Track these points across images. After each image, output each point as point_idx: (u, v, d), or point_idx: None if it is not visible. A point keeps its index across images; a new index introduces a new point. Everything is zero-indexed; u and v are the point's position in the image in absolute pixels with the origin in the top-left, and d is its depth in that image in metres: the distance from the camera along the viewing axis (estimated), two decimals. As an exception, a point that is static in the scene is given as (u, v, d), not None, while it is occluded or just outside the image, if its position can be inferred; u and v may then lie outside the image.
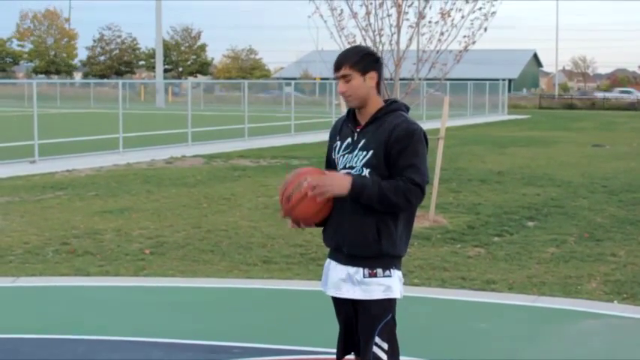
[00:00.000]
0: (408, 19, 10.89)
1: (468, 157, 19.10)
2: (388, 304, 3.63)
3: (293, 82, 37.05)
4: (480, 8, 10.91)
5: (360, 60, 3.61)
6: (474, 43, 11.18)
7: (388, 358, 3.64)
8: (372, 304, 3.61)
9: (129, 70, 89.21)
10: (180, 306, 6.76)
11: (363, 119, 3.69)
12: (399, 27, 10.83)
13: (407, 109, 3.73)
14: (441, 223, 10.24)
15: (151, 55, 77.94)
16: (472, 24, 11.01)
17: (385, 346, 3.63)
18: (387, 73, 10.95)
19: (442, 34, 10.92)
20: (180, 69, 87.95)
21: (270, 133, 27.27)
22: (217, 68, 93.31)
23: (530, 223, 10.39)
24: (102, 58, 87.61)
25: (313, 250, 8.55)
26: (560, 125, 35.02)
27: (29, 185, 13.84)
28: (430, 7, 10.95)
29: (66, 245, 8.89)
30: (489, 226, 10.09)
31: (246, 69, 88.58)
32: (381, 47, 10.84)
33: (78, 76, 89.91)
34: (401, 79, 11.15)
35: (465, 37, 11.13)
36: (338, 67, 3.64)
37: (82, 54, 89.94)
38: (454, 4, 10.90)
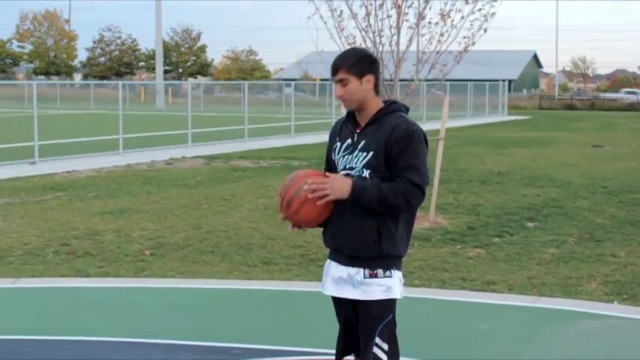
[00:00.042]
0: (407, 20, 10.90)
1: (467, 158, 19.10)
2: (389, 305, 3.64)
3: (293, 83, 36.98)
4: (480, 9, 10.93)
5: (356, 63, 3.60)
6: (473, 44, 11.19)
7: (388, 358, 3.64)
8: (373, 304, 3.61)
9: (129, 71, 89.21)
10: (180, 307, 6.76)
11: (362, 120, 3.69)
12: (398, 28, 10.84)
13: (406, 109, 3.74)
14: (441, 224, 10.24)
15: (151, 56, 77.96)
16: (472, 25, 11.02)
17: (385, 346, 3.64)
18: (387, 74, 10.96)
19: (442, 34, 10.93)
20: (180, 70, 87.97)
21: (270, 134, 27.28)
22: (217, 69, 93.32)
23: (531, 224, 10.39)
24: (102, 59, 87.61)
25: (313, 251, 8.55)
26: (560, 126, 35.03)
27: (29, 186, 13.84)
28: (430, 8, 10.97)
29: (66, 246, 8.89)
30: (489, 227, 10.10)
31: (246, 70, 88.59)
32: (381, 48, 10.84)
33: (78, 77, 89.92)
34: (401, 80, 11.15)
35: (464, 37, 11.14)
36: (334, 71, 3.64)
37: (82, 55, 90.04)
38: (454, 5, 10.91)
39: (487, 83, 43.95)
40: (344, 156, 3.69)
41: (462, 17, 10.94)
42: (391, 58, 10.92)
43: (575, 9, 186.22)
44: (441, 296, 7.03)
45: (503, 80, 48.38)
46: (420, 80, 11.56)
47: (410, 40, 11.01)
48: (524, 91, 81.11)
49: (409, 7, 10.81)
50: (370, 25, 10.81)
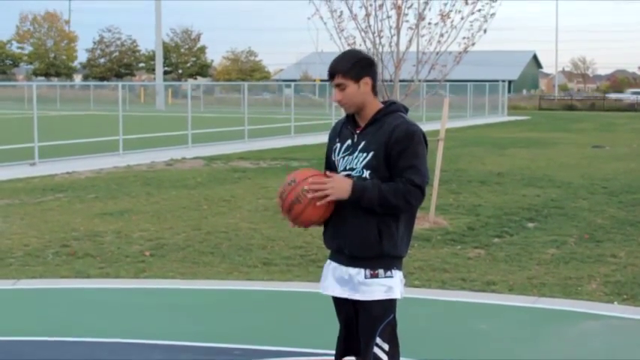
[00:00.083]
0: (407, 21, 10.91)
1: (467, 159, 19.10)
2: (389, 305, 3.65)
3: (293, 83, 36.97)
4: (480, 10, 10.93)
5: (352, 67, 3.60)
6: (473, 44, 11.20)
7: (389, 358, 3.65)
8: (374, 304, 3.62)
9: (129, 72, 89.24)
10: (180, 308, 6.76)
11: (362, 121, 3.70)
12: (398, 29, 10.84)
13: (405, 110, 3.74)
14: (441, 224, 10.24)
15: (151, 57, 77.98)
16: (471, 25, 11.03)
17: (386, 346, 3.64)
18: (386, 74, 10.96)
19: (442, 35, 10.94)
20: (180, 71, 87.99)
21: (270, 134, 27.28)
22: (217, 70, 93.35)
23: (531, 225, 10.39)
24: (102, 60, 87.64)
25: (313, 252, 8.55)
26: (560, 126, 35.03)
27: (29, 188, 13.84)
28: (430, 9, 10.98)
29: (66, 247, 8.89)
30: (489, 228, 10.10)
31: (246, 71, 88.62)
32: (380, 49, 10.85)
33: (78, 79, 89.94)
34: (401, 81, 11.16)
35: (464, 38, 11.14)
36: (331, 76, 3.64)
37: (81, 56, 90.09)
38: (454, 5, 10.92)
39: (487, 84, 43.97)
40: (344, 157, 3.69)
41: (462, 18, 10.95)
42: (391, 59, 10.93)
43: (574, 9, 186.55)
44: (441, 297, 7.03)
45: (503, 81, 48.40)
46: (419, 81, 11.57)
47: (410, 41, 11.02)
48: (524, 91, 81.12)
49: (409, 7, 10.82)
50: (370, 26, 10.82)
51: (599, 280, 7.48)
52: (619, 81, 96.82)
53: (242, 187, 14.02)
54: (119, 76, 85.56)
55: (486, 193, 13.14)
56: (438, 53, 11.06)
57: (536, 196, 12.83)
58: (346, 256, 3.67)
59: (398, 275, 3.67)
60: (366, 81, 3.63)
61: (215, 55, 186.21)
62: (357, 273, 3.64)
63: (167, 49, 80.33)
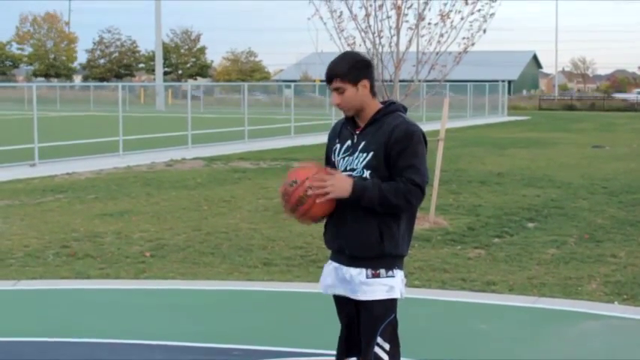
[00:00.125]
0: (407, 21, 10.92)
1: (467, 159, 19.10)
2: (391, 304, 3.65)
3: (293, 84, 36.94)
4: (479, 10, 10.93)
5: (350, 71, 3.60)
6: (473, 44, 11.21)
7: (390, 358, 3.65)
8: (375, 304, 3.62)
9: (128, 72, 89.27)
10: (180, 308, 6.76)
11: (362, 121, 3.71)
12: (398, 29, 10.85)
13: (405, 109, 3.75)
14: (441, 224, 10.24)
15: (151, 58, 78.00)
16: (471, 26, 11.03)
17: (387, 346, 3.65)
18: (386, 74, 10.97)
19: (441, 35, 10.95)
20: (180, 72, 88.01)
21: (270, 135, 27.28)
22: (217, 71, 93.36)
23: (531, 225, 10.39)
24: (102, 61, 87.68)
25: (314, 252, 8.55)
26: (560, 126, 35.03)
27: (29, 188, 13.84)
28: (429, 9, 10.98)
29: (66, 248, 8.89)
30: (489, 228, 10.10)
31: (245, 71, 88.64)
32: (380, 49, 10.85)
33: (78, 79, 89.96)
34: (401, 81, 11.16)
35: (464, 38, 11.15)
36: (329, 80, 3.65)
37: (81, 57, 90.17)
38: (453, 5, 10.92)
39: (487, 84, 43.96)
40: (344, 158, 3.69)
41: (462, 18, 10.96)
42: (391, 59, 10.93)
43: (574, 10, 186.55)
44: (441, 297, 7.04)
45: (503, 81, 48.39)
46: (419, 81, 11.57)
47: (410, 41, 11.03)
48: (524, 91, 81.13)
49: (409, 8, 10.83)
50: (370, 26, 10.82)
51: (599, 280, 7.48)
52: (619, 81, 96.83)
53: (242, 187, 14.02)
54: (119, 76, 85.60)
55: (486, 194, 13.14)
56: (437, 53, 11.07)
57: (536, 196, 12.83)
58: (347, 256, 3.67)
59: (399, 275, 3.68)
60: (364, 83, 3.63)
61: (215, 56, 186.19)
62: (359, 273, 3.64)
63: (167, 50, 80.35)
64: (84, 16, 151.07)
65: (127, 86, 51.07)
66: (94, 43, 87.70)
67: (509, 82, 65.75)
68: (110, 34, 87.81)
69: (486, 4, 10.98)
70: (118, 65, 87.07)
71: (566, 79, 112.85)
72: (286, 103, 41.72)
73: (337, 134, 3.80)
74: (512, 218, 10.77)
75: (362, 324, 3.69)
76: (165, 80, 69.03)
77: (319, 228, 3.79)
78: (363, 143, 3.64)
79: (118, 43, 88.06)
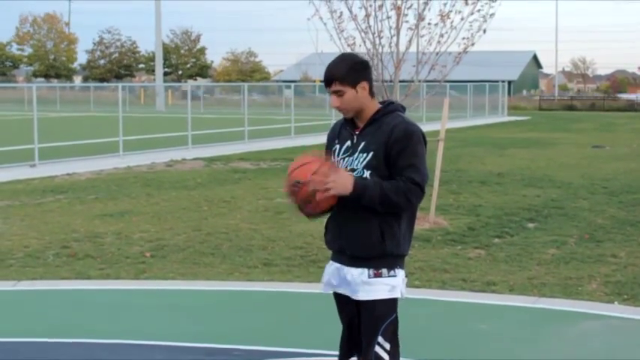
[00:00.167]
0: (407, 22, 10.92)
1: (468, 159, 19.11)
2: (392, 304, 3.66)
3: (293, 84, 36.93)
4: (479, 10, 10.93)
5: (348, 73, 3.60)
6: (473, 44, 11.21)
7: (390, 358, 3.65)
8: (377, 303, 3.62)
9: (129, 73, 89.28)
10: (180, 309, 6.76)
11: (361, 122, 3.71)
12: (398, 29, 10.85)
13: (403, 109, 3.75)
14: (442, 224, 10.24)
15: (151, 59, 78.01)
16: (471, 26, 11.03)
17: (388, 346, 3.65)
18: (386, 75, 10.97)
19: (441, 35, 10.95)
20: (180, 72, 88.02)
21: (270, 135, 27.28)
22: (217, 71, 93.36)
23: (531, 225, 10.39)
24: (102, 61, 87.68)
25: (314, 253, 8.55)
26: (560, 126, 35.03)
27: (29, 189, 13.84)
28: (429, 9, 10.98)
29: (66, 249, 8.89)
30: (490, 228, 10.10)
31: (246, 72, 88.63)
32: (380, 49, 10.85)
33: (78, 80, 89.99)
34: (401, 81, 11.16)
35: (464, 39, 11.15)
36: (328, 83, 3.65)
37: (81, 57, 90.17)
38: (453, 6, 10.92)
39: (487, 84, 43.95)
40: (344, 158, 3.69)
41: (462, 19, 10.96)
42: (391, 60, 10.94)
43: (574, 10, 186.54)
44: (441, 297, 7.04)
45: (503, 81, 48.38)
46: (419, 81, 11.57)
47: (409, 41, 11.03)
48: (524, 91, 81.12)
49: (409, 8, 10.83)
50: (370, 27, 10.82)
51: (599, 280, 7.48)
52: (619, 81, 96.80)
53: (242, 187, 14.02)
54: (119, 77, 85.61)
55: (486, 194, 13.14)
56: (437, 54, 11.07)
57: (536, 197, 12.83)
58: (348, 256, 3.67)
59: (401, 274, 3.69)
60: (364, 85, 3.64)
61: (215, 56, 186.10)
62: (361, 273, 3.64)
63: (167, 50, 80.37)
64: (84, 16, 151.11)
65: (127, 87, 51.09)
66: (94, 44, 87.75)
67: (510, 82, 65.74)
68: (110, 34, 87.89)
69: (486, 4, 10.99)
70: (118, 66, 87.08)
71: (566, 80, 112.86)
72: (286, 104, 41.72)
73: (336, 135, 3.80)
74: (513, 218, 10.77)
75: (363, 323, 3.69)
76: (165, 81, 69.04)
77: (319, 228, 3.79)
78: (362, 143, 3.65)
79: (118, 43, 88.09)
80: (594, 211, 11.39)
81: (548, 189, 13.76)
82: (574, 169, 17.06)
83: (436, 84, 12.73)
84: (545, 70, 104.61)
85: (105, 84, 68.03)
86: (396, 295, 3.65)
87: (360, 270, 3.64)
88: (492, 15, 11.00)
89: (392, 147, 3.57)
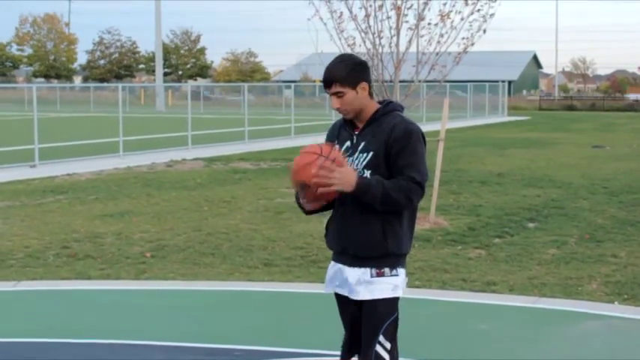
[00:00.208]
0: (407, 22, 10.92)
1: (468, 159, 19.11)
2: (394, 303, 3.68)
3: (293, 84, 36.94)
4: (479, 10, 10.93)
5: (348, 75, 3.60)
6: (472, 44, 11.21)
7: (390, 357, 3.65)
8: (380, 303, 3.63)
9: (129, 73, 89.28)
10: (180, 309, 6.76)
11: (360, 122, 3.72)
12: (398, 29, 10.85)
13: (402, 108, 3.76)
14: (442, 224, 10.24)
15: (151, 59, 78.01)
16: (471, 26, 11.03)
17: (388, 345, 3.65)
18: (386, 75, 10.97)
19: (441, 36, 10.95)
20: (180, 72, 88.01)
21: (271, 135, 27.28)
22: (217, 71, 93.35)
23: (531, 225, 10.39)
24: (102, 61, 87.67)
25: (314, 253, 8.55)
26: (560, 126, 35.03)
27: (29, 189, 13.84)
28: (429, 9, 10.98)
29: (67, 249, 8.89)
30: (490, 228, 10.10)
31: (246, 72, 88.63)
32: (380, 49, 10.85)
33: (78, 80, 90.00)
34: (401, 82, 11.16)
35: (464, 39, 11.15)
36: (328, 84, 3.64)
37: (81, 58, 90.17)
38: (453, 6, 10.92)
39: (487, 84, 43.95)
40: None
41: (462, 19, 10.95)
42: (391, 60, 10.94)
43: (574, 10, 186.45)
44: (441, 297, 7.04)
45: (503, 81, 48.38)
46: (419, 81, 11.57)
47: (409, 42, 11.03)
48: (524, 91, 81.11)
49: (408, 8, 10.83)
50: (370, 27, 10.82)
51: (599, 280, 7.48)
52: (619, 81, 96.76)
53: (242, 188, 14.02)
54: (119, 77, 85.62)
55: (487, 194, 13.15)
56: (437, 54, 11.07)
57: (536, 197, 12.83)
58: (351, 256, 3.67)
59: (403, 273, 3.70)
60: (363, 86, 3.64)
61: (215, 57, 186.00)
62: (363, 273, 3.65)
63: (167, 51, 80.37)
64: (84, 17, 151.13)
65: (127, 87, 51.11)
66: (94, 44, 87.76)
67: (510, 82, 65.74)
68: (110, 35, 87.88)
69: (486, 4, 10.99)
70: (118, 66, 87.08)
71: (567, 80, 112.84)
72: (286, 104, 41.72)
73: (335, 135, 3.81)
74: (513, 218, 10.77)
75: (364, 322, 3.69)
76: (165, 81, 69.03)
77: (320, 228, 3.80)
78: (362, 144, 3.65)
79: (118, 44, 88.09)
80: (594, 211, 11.39)
81: (548, 189, 13.76)
82: (574, 169, 17.07)
83: (436, 84, 12.73)
84: (546, 70, 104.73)
85: (105, 84, 68.03)
86: (398, 294, 3.66)
87: (362, 270, 3.64)
88: (492, 15, 11.01)
89: (392, 146, 3.57)
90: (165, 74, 73.77)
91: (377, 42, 10.82)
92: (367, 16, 10.78)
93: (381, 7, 10.72)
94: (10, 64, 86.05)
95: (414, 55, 11.35)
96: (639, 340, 6.13)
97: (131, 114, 35.24)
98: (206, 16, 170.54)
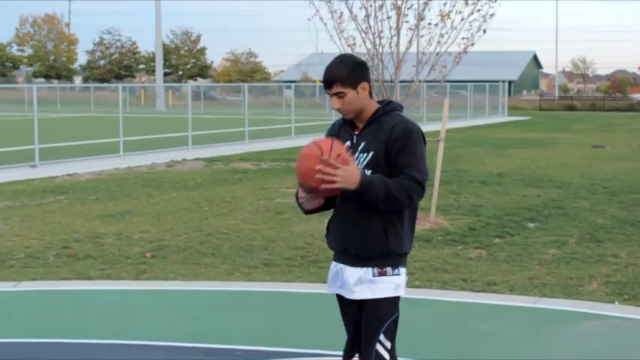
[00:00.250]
0: (407, 22, 10.92)
1: (468, 159, 19.10)
2: (396, 302, 3.68)
3: (293, 85, 36.94)
4: (479, 10, 10.93)
5: (349, 75, 3.60)
6: (473, 44, 11.21)
7: (390, 357, 3.66)
8: (381, 302, 3.64)
9: (129, 73, 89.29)
10: (181, 309, 6.76)
11: (360, 122, 3.72)
12: (398, 29, 10.85)
13: (402, 108, 3.76)
14: (442, 224, 10.24)
15: (151, 59, 78.01)
16: (471, 26, 11.03)
17: (388, 344, 3.66)
18: (387, 75, 10.96)
19: (442, 36, 10.95)
20: (180, 72, 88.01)
21: (271, 135, 27.28)
22: (217, 72, 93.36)
23: (531, 225, 10.39)
24: (102, 62, 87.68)
25: (314, 253, 8.54)
26: (561, 126, 35.02)
27: (30, 189, 13.84)
28: (429, 9, 10.98)
29: (67, 249, 8.89)
30: (490, 228, 10.10)
31: (246, 72, 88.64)
32: (380, 49, 10.85)
33: (78, 81, 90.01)
34: (401, 82, 11.16)
35: (464, 39, 11.15)
36: (328, 85, 3.64)
37: (82, 58, 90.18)
38: (453, 5, 10.92)
39: (487, 84, 43.95)
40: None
41: (462, 19, 10.95)
42: (391, 60, 10.94)
43: (574, 10, 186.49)
44: (442, 297, 7.04)
45: (503, 81, 48.38)
46: (420, 81, 11.57)
47: (410, 42, 11.03)
48: (524, 92, 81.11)
49: (409, 8, 10.83)
50: (370, 27, 10.82)
51: (600, 280, 7.48)
52: (619, 81, 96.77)
53: (243, 188, 14.02)
54: (119, 77, 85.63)
55: (487, 194, 13.14)
56: (437, 54, 11.06)
57: (536, 197, 12.83)
58: (352, 256, 3.67)
59: (404, 273, 3.71)
60: (364, 86, 3.64)
61: (215, 57, 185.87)
62: (365, 272, 3.65)
63: (167, 51, 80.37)
64: (84, 17, 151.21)
65: (128, 87, 51.12)
66: (94, 45, 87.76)
67: (510, 82, 65.75)
68: (110, 35, 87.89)
69: (486, 4, 10.99)
70: (118, 66, 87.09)
71: (567, 80, 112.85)
72: (287, 104, 41.73)
73: (335, 135, 3.81)
74: (513, 218, 10.77)
75: (365, 322, 3.69)
76: (165, 81, 69.03)
77: (320, 228, 3.80)
78: (363, 144, 3.65)
79: (118, 44, 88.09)
80: (595, 211, 11.39)
81: (548, 189, 13.76)
82: (574, 169, 17.07)
83: (436, 84, 12.73)
84: (546, 70, 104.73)
85: (105, 84, 68.01)
86: (400, 293, 3.67)
87: (364, 269, 3.65)
88: (492, 15, 11.00)
89: (392, 146, 3.58)
90: (165, 74, 73.79)
91: (377, 42, 10.82)
92: (367, 16, 10.78)
93: (381, 7, 10.72)
94: (11, 65, 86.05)
95: (414, 55, 11.35)
96: (639, 340, 6.13)
97: (131, 114, 35.24)
98: (206, 16, 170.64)
